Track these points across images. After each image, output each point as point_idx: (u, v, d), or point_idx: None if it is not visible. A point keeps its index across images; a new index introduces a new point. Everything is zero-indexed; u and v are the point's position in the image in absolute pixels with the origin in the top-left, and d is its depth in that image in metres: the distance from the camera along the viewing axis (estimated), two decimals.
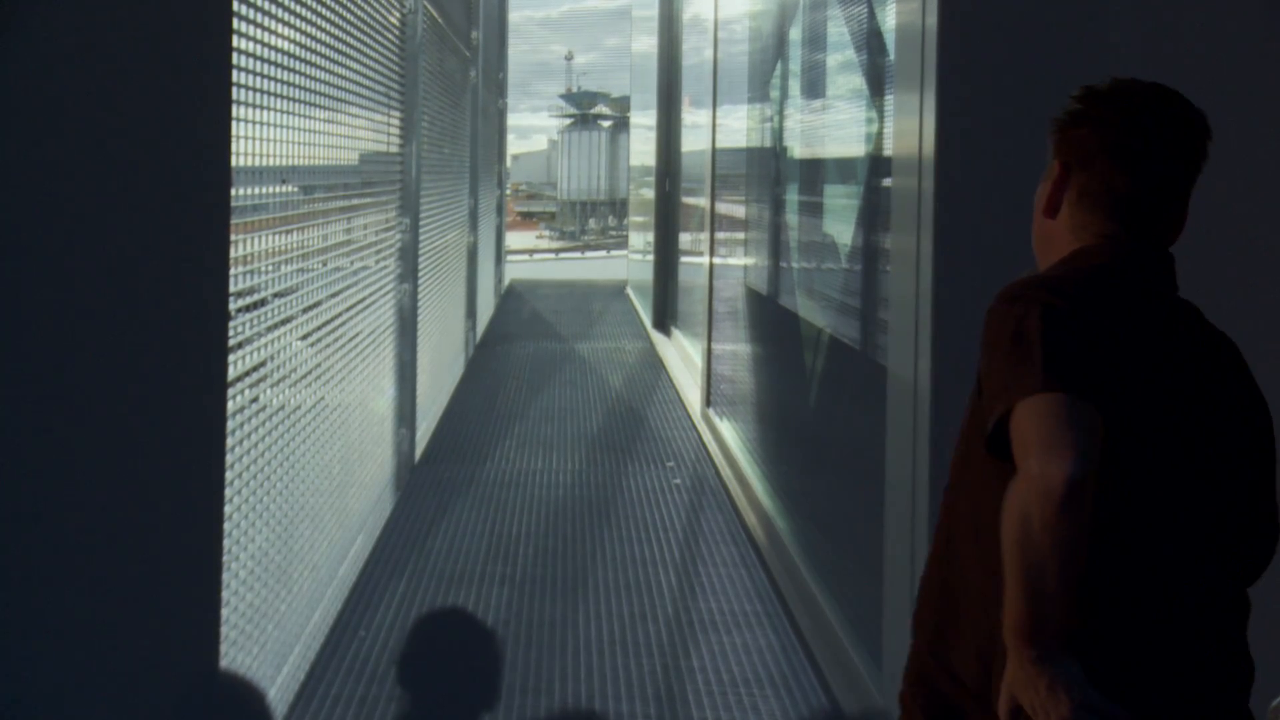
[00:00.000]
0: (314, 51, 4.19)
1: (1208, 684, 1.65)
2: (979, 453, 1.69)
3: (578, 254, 34.97)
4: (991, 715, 1.72)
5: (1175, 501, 1.65)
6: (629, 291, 17.49)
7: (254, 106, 3.37)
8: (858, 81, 4.56)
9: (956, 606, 1.82)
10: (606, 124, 48.93)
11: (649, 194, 14.71)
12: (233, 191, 3.07)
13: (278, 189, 3.73)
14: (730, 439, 7.06)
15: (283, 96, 3.72)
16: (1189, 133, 1.78)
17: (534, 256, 31.63)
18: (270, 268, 3.67)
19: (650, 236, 14.40)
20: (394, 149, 6.22)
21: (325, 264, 4.56)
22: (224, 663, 3.08)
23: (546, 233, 48.45)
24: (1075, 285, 1.69)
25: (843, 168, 4.88)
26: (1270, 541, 1.76)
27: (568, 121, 51.02)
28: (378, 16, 5.59)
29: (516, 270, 20.65)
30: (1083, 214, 1.79)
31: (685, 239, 11.94)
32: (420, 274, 6.85)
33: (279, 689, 3.75)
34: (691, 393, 8.98)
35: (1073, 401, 1.53)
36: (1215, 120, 2.87)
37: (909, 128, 3.19)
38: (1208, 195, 2.95)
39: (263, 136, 3.48)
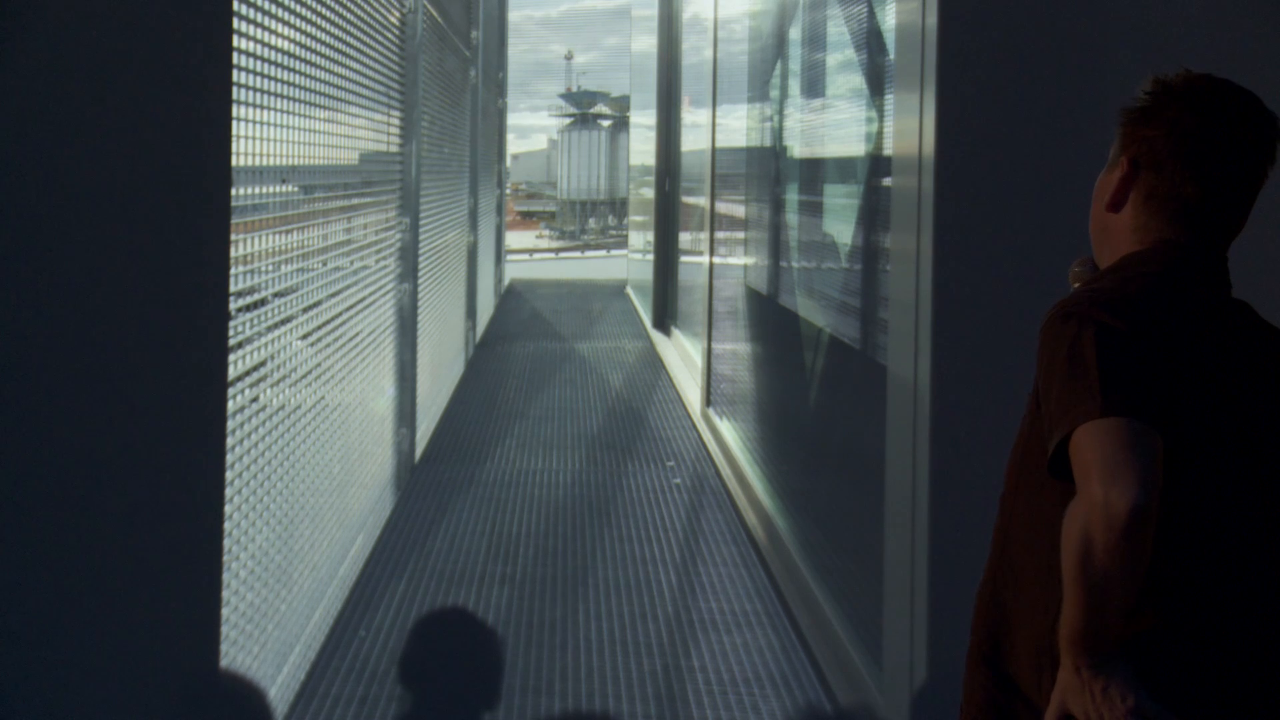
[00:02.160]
0: (314, 51, 4.19)
1: (1264, 697, 1.65)
2: (1038, 465, 1.70)
3: (577, 253, 34.97)
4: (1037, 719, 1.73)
5: (1235, 512, 1.64)
6: (629, 291, 17.48)
7: (254, 106, 3.37)
8: (857, 81, 4.56)
9: (1009, 612, 1.82)
10: (606, 123, 48.93)
11: (649, 193, 14.71)
12: (233, 191, 3.07)
13: (278, 189, 3.73)
14: (730, 438, 7.06)
15: (283, 96, 3.71)
16: (1261, 137, 1.77)
17: (534, 256, 31.63)
18: (270, 267, 3.67)
19: (650, 236, 14.40)
20: (394, 148, 6.22)
21: (325, 264, 4.56)
22: (224, 662, 3.08)
23: (546, 232, 48.46)
24: (1129, 301, 1.68)
25: (843, 167, 4.88)
26: None
27: (567, 121, 51.03)
28: (378, 16, 5.58)
29: (516, 270, 20.65)
30: (1148, 216, 1.78)
31: (685, 238, 11.94)
32: (420, 273, 6.85)
33: (279, 689, 3.75)
34: (691, 392, 8.98)
35: (1133, 425, 1.53)
36: None
37: (909, 127, 3.19)
38: None
39: (263, 136, 3.48)
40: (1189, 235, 1.76)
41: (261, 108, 3.46)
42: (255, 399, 3.46)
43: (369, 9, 5.33)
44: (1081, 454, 1.55)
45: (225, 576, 3.04)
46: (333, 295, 4.66)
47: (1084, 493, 1.52)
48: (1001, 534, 1.85)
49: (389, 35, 5.94)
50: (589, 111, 50.55)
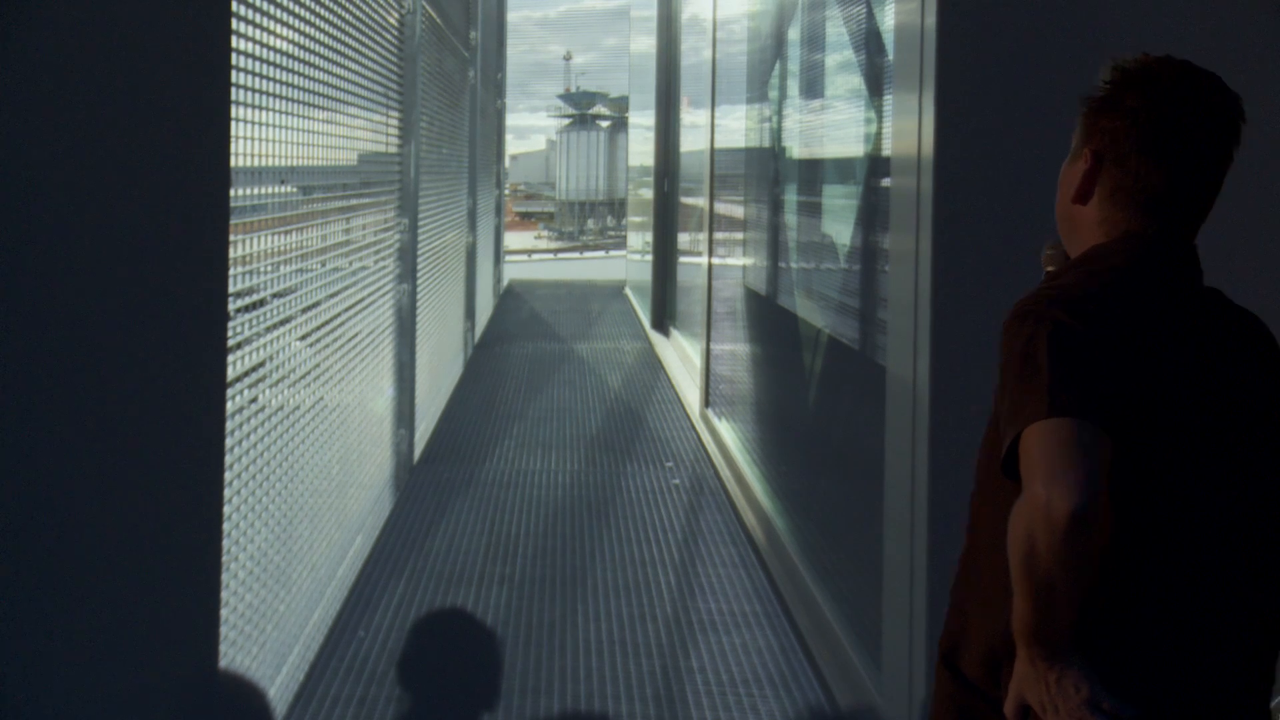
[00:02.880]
0: (313, 52, 4.19)
1: (1221, 694, 1.64)
2: (996, 465, 1.69)
3: (576, 254, 34.97)
4: (998, 716, 1.73)
5: (1198, 506, 1.63)
6: (627, 292, 17.48)
7: (253, 107, 3.37)
8: (856, 81, 4.56)
9: (967, 610, 1.83)
10: (605, 124, 48.93)
11: (647, 194, 14.71)
12: (232, 192, 3.07)
13: (277, 189, 3.73)
14: (729, 439, 7.06)
15: (282, 97, 3.71)
16: (1225, 120, 1.75)
17: (532, 257, 31.63)
18: (269, 268, 3.67)
19: (649, 236, 14.40)
20: (393, 149, 6.22)
21: (324, 264, 4.56)
22: (223, 663, 3.08)
23: (545, 233, 48.46)
24: (1090, 297, 1.66)
25: (841, 168, 4.88)
26: None
27: (566, 122, 51.03)
28: (376, 17, 5.58)
29: (515, 270, 20.64)
30: (1114, 208, 1.76)
31: (684, 239, 11.94)
32: (419, 274, 6.85)
33: (278, 689, 3.75)
34: (690, 393, 8.98)
35: (1079, 426, 1.52)
36: None
37: (908, 128, 3.19)
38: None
39: (262, 137, 3.48)
40: (1156, 225, 1.74)
41: (260, 108, 3.46)
42: (254, 400, 3.46)
43: (367, 10, 5.33)
44: (1027, 454, 1.55)
45: (224, 577, 3.04)
46: (332, 296, 4.66)
47: (1027, 494, 1.52)
48: (968, 533, 1.86)
49: (388, 36, 5.94)
50: (588, 112, 50.56)
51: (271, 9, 3.55)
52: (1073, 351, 1.59)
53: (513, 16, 20.17)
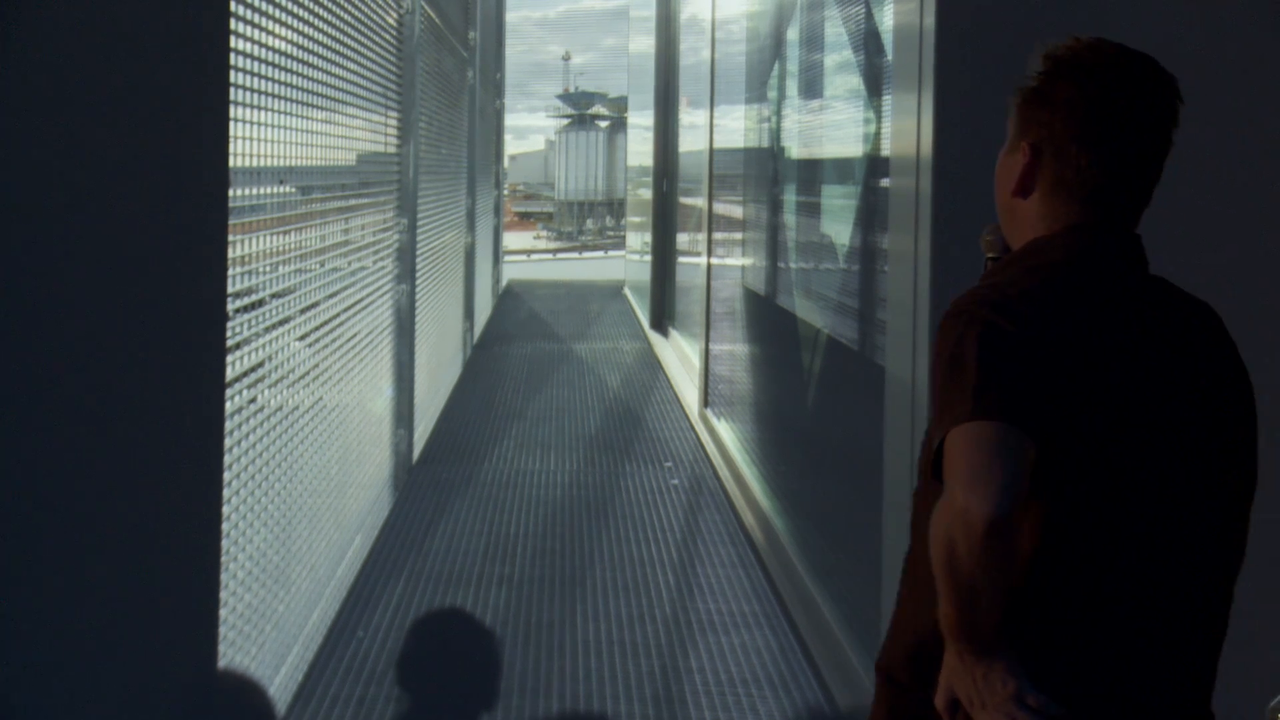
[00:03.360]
0: (312, 52, 4.19)
1: (1153, 694, 1.62)
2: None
3: (575, 254, 34.97)
4: (922, 711, 1.73)
5: (1133, 508, 1.60)
6: (626, 292, 17.48)
7: (252, 107, 3.37)
8: (855, 82, 4.56)
9: (902, 608, 1.83)
10: (604, 124, 48.93)
11: (646, 194, 14.71)
12: (231, 192, 3.07)
13: (276, 189, 3.73)
14: (728, 439, 7.06)
15: (281, 97, 3.71)
16: (1162, 103, 1.70)
17: (531, 257, 31.63)
18: (268, 268, 3.67)
19: (648, 237, 14.40)
20: (392, 149, 6.22)
21: (323, 264, 4.56)
22: (222, 663, 3.08)
23: (544, 233, 48.45)
24: (1025, 297, 1.62)
25: (840, 168, 4.88)
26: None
27: (565, 122, 51.04)
28: (375, 17, 5.58)
29: (514, 270, 20.64)
30: (1056, 202, 1.72)
31: (683, 239, 11.94)
32: (418, 274, 6.85)
33: (277, 689, 3.74)
34: (689, 393, 8.98)
35: (1003, 430, 1.50)
36: (1215, 120, 2.87)
37: (907, 128, 3.19)
38: (1209, 194, 2.95)
39: (261, 137, 3.48)
40: (1098, 216, 1.70)
41: (259, 109, 3.46)
42: (253, 400, 3.46)
43: (366, 10, 5.33)
44: (949, 457, 1.53)
45: (223, 577, 3.04)
46: (331, 296, 4.66)
47: (947, 497, 1.50)
48: (911, 532, 1.84)
49: (386, 36, 5.94)
50: (587, 112, 50.56)
51: (270, 9, 3.55)
52: (1001, 353, 1.56)
53: (511, 16, 20.17)
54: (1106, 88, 1.69)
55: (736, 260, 7.67)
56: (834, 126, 4.97)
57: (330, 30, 4.50)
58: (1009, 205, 1.79)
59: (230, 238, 3.06)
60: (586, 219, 48.62)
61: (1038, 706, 1.48)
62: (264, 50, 3.48)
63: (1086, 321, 1.63)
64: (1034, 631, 1.57)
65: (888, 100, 3.88)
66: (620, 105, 42.29)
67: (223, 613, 3.04)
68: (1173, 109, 1.71)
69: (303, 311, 4.14)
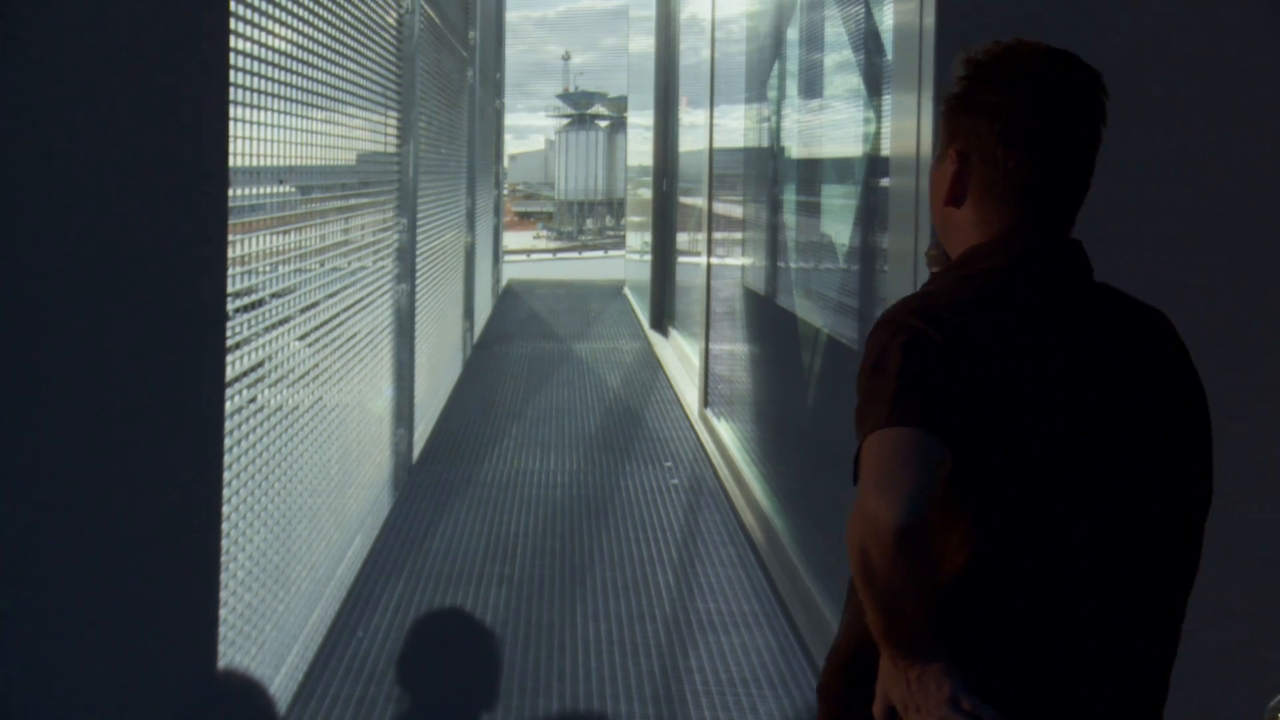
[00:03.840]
0: (312, 52, 4.19)
1: (1091, 698, 1.59)
2: None
3: (575, 254, 34.96)
4: (833, 713, 1.72)
5: (1064, 516, 1.57)
6: (626, 292, 17.49)
7: (252, 107, 3.37)
8: (855, 81, 4.56)
9: (838, 631, 1.82)
10: (604, 124, 48.90)
11: (646, 194, 14.71)
12: (231, 192, 3.07)
13: (275, 189, 3.73)
14: (728, 439, 7.06)
15: (280, 97, 3.71)
16: (1089, 100, 1.68)
17: (531, 257, 31.62)
18: (268, 268, 3.67)
19: (648, 236, 14.40)
20: (391, 149, 6.22)
21: (323, 264, 4.56)
22: (222, 663, 3.08)
23: (544, 233, 48.44)
24: (957, 306, 1.60)
25: (840, 168, 4.89)
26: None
27: (565, 121, 51.01)
28: (375, 17, 5.58)
29: (514, 270, 20.65)
30: (989, 208, 1.69)
31: (683, 239, 11.94)
32: (418, 274, 6.85)
33: (277, 689, 3.75)
34: (689, 393, 8.98)
35: (916, 437, 1.48)
36: (1215, 120, 2.88)
37: (906, 128, 3.19)
38: (1208, 194, 2.95)
39: (260, 137, 3.48)
40: (1032, 217, 1.67)
41: (259, 108, 3.46)
42: (253, 400, 3.46)
43: (366, 10, 5.33)
44: (863, 464, 1.52)
45: (223, 577, 3.04)
46: (330, 296, 4.66)
47: (858, 504, 1.48)
48: None
49: (386, 36, 5.94)
50: (586, 112, 50.53)
51: (270, 9, 3.55)
52: (923, 361, 1.54)
53: (511, 16, 20.17)
54: (1029, 87, 1.67)
55: (736, 260, 7.67)
56: (834, 126, 4.97)
57: (330, 30, 4.50)
58: (943, 215, 1.77)
59: (230, 237, 3.06)
60: (586, 219, 48.61)
61: (971, 710, 1.47)
62: (264, 50, 3.48)
63: (1018, 329, 1.60)
64: (968, 635, 1.56)
65: (887, 100, 3.88)
66: (620, 105, 42.29)
67: (223, 612, 3.04)
68: (1098, 104, 1.68)
69: (303, 311, 4.14)
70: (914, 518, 1.43)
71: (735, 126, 7.67)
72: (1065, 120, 1.67)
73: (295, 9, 3.90)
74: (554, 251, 36.47)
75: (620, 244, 29.39)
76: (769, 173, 6.37)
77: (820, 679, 1.85)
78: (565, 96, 54.05)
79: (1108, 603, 1.60)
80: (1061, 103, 1.67)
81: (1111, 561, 1.60)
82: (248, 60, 3.30)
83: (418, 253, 6.83)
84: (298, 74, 3.96)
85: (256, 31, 3.39)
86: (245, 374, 3.34)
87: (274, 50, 3.60)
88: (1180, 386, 1.69)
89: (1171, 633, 1.67)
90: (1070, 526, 1.58)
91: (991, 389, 1.55)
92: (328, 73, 4.49)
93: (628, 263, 18.89)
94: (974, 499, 1.55)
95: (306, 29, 4.09)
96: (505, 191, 20.85)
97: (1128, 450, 1.61)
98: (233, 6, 3.10)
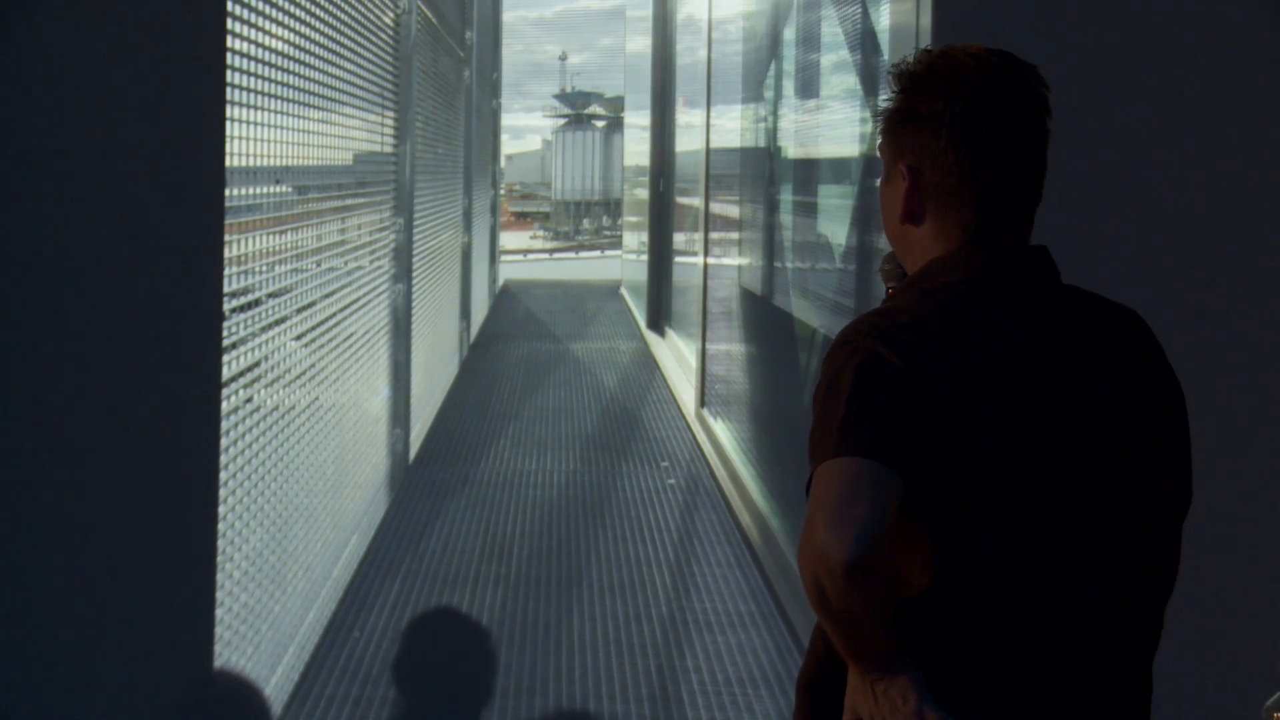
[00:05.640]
0: (308, 52, 4.19)
1: (1059, 712, 1.57)
2: None
3: (572, 254, 34.93)
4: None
5: (1028, 528, 1.54)
6: (623, 292, 17.49)
7: (248, 107, 3.37)
8: (852, 82, 4.56)
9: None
10: (601, 124, 48.87)
11: (643, 194, 14.71)
12: (227, 192, 3.06)
13: (272, 189, 3.73)
14: (725, 439, 7.06)
15: (277, 97, 3.71)
16: (1029, 94, 1.64)
17: (528, 257, 31.60)
18: (265, 268, 3.66)
19: (644, 236, 14.40)
20: (388, 149, 6.22)
21: (320, 264, 4.55)
22: (218, 663, 3.08)
23: (541, 233, 48.40)
24: (916, 324, 1.56)
25: (837, 168, 4.89)
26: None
27: (562, 121, 50.97)
28: (372, 17, 5.58)
29: (511, 270, 20.64)
30: (947, 220, 1.65)
31: (679, 239, 11.94)
32: (414, 274, 6.85)
33: (273, 689, 3.74)
34: (686, 393, 8.98)
35: (866, 467, 1.45)
36: (1214, 120, 2.87)
37: None
38: (1207, 194, 2.95)
39: (257, 137, 3.47)
40: (991, 221, 1.63)
41: (256, 108, 3.46)
42: (249, 399, 3.45)
43: (363, 10, 5.32)
44: (814, 494, 1.48)
45: (219, 577, 3.04)
46: (327, 296, 4.66)
47: (808, 534, 1.46)
48: None
49: (383, 36, 5.94)
50: (583, 112, 50.50)
51: (267, 9, 3.55)
52: (877, 386, 1.50)
53: (508, 16, 20.16)
54: (969, 89, 1.62)
55: (733, 260, 7.67)
56: (830, 126, 4.97)
57: (327, 30, 4.50)
58: (900, 234, 1.73)
59: (226, 237, 3.05)
60: (583, 219, 48.59)
61: None
62: (261, 50, 3.48)
63: (981, 345, 1.56)
64: (935, 650, 1.54)
65: (884, 100, 3.88)
66: (617, 105, 42.26)
67: (219, 612, 3.04)
68: (1041, 98, 1.65)
69: (299, 311, 4.14)
70: (864, 553, 1.41)
71: (732, 127, 7.67)
72: (1014, 118, 1.64)
73: (292, 9, 3.90)
74: (551, 251, 36.44)
75: (617, 244, 29.37)
76: (765, 173, 6.37)
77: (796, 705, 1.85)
78: (562, 97, 54.01)
79: (1076, 616, 1.58)
80: (1008, 101, 1.63)
81: (1079, 575, 1.57)
82: (244, 60, 3.29)
83: (414, 253, 6.82)
84: (295, 74, 3.96)
85: (253, 31, 3.39)
86: (241, 374, 3.33)
87: (271, 50, 3.60)
88: (1152, 387, 1.65)
89: (1148, 641, 1.65)
90: (1035, 544, 1.55)
91: (949, 412, 1.51)
92: (325, 73, 4.48)
93: (624, 263, 18.89)
94: (933, 522, 1.53)
95: (303, 29, 4.09)
96: (502, 191, 20.86)
97: (1094, 460, 1.58)
98: (230, 6, 3.10)
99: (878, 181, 1.76)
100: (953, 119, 1.62)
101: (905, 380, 1.51)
